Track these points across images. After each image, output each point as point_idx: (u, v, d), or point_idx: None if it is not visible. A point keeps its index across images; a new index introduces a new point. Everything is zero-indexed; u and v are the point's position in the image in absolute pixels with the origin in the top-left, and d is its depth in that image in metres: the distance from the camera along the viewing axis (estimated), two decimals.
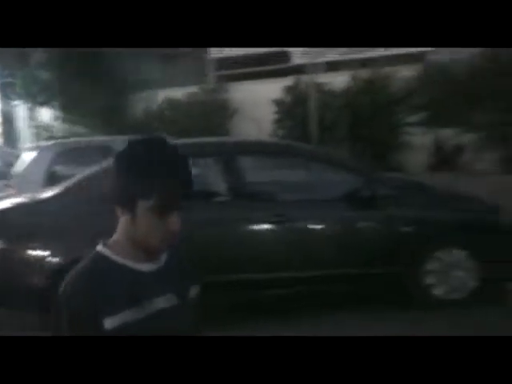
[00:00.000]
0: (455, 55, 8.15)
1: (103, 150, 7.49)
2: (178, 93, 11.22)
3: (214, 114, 10.82)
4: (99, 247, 1.45)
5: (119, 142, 7.90)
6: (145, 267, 1.44)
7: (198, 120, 10.58)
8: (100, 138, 8.88)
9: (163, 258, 1.48)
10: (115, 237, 1.46)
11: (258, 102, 10.37)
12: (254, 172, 5.13)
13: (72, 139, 8.76)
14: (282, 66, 9.86)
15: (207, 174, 5.20)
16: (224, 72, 11.62)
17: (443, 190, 5.62)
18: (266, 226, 4.80)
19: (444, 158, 8.54)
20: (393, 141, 8.86)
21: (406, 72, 8.58)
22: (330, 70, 9.84)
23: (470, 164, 8.49)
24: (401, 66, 8.77)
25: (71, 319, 1.37)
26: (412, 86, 8.50)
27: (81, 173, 5.39)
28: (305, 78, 9.29)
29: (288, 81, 9.76)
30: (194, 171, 5.04)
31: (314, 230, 4.94)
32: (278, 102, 9.83)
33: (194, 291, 1.56)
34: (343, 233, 4.99)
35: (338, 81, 9.19)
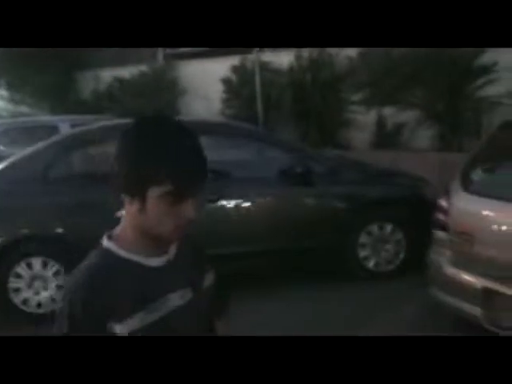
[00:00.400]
0: None
1: (48, 130, 7.46)
2: (127, 72, 11.13)
3: (163, 93, 10.80)
4: (104, 241, 1.30)
5: (65, 121, 7.87)
6: (155, 261, 1.29)
7: (147, 99, 10.54)
8: (45, 118, 8.79)
9: (172, 248, 1.34)
10: (121, 228, 1.30)
11: (206, 80, 10.40)
12: None
13: (15, 119, 8.64)
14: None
15: None
16: (172, 51, 11.56)
17: (375, 166, 5.86)
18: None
19: (387, 136, 8.79)
20: (337, 118, 9.05)
21: (349, 51, 8.74)
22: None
23: (412, 141, 8.77)
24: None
25: (74, 328, 1.20)
26: (355, 65, 8.67)
27: (19, 152, 5.39)
28: (251, 57, 9.36)
29: (235, 60, 9.81)
30: None
31: (252, 207, 5.11)
32: (225, 81, 9.89)
33: (209, 279, 1.42)
34: (281, 209, 5.18)
35: (284, 59, 9.30)
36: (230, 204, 5.02)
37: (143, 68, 11.10)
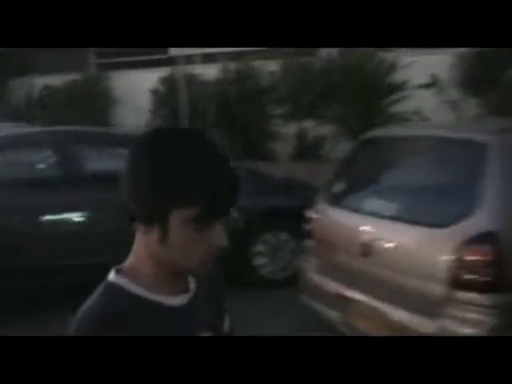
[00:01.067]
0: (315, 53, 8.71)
1: None
2: (59, 80, 11.14)
3: (94, 103, 10.84)
4: (112, 276, 1.09)
5: None
6: (176, 301, 1.10)
7: (77, 108, 10.57)
8: None
9: (192, 285, 1.15)
10: (133, 261, 1.10)
11: (137, 91, 10.50)
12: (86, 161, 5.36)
13: None
14: (160, 56, 10.04)
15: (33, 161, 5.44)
16: (104, 60, 11.65)
17: (272, 177, 6.10)
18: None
19: (308, 148, 9.08)
20: (261, 131, 9.30)
21: (273, 66, 9.03)
22: (204, 61, 10.18)
23: (332, 153, 9.08)
24: (269, 60, 9.22)
25: None
26: (277, 80, 8.95)
27: None
28: (179, 69, 9.53)
29: (164, 71, 9.98)
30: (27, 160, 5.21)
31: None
32: (154, 92, 10.04)
33: (227, 322, 1.23)
34: None
35: (210, 72, 9.52)
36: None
37: (75, 77, 11.13)
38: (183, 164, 1.01)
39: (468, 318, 2.92)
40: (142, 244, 1.07)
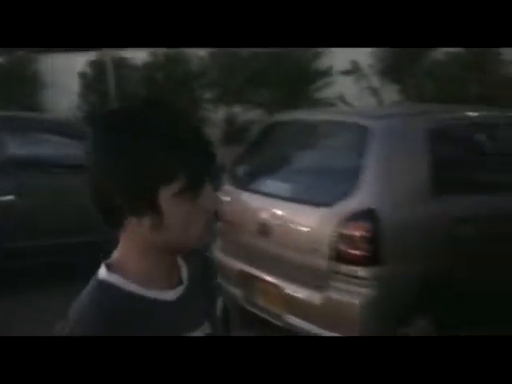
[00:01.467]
0: None
1: None
2: None
3: (21, 85, 10.60)
4: (102, 272, 1.02)
5: None
6: (171, 295, 1.05)
7: (3, 91, 10.31)
8: None
9: (185, 275, 1.10)
10: (122, 257, 1.03)
11: (66, 74, 10.34)
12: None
13: None
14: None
15: None
16: None
17: None
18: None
19: (235, 133, 9.23)
20: (191, 115, 9.36)
21: (202, 51, 9.09)
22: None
23: None
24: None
25: None
26: (206, 64, 9.02)
27: None
28: (108, 52, 9.45)
29: (92, 55, 9.86)
30: None
31: (54, 199, 5.22)
32: (82, 76, 9.91)
33: (219, 306, 1.29)
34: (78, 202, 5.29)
35: (139, 56, 9.48)
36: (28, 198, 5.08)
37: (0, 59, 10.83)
38: (157, 138, 0.95)
39: (350, 290, 3.13)
40: (133, 238, 1.01)
